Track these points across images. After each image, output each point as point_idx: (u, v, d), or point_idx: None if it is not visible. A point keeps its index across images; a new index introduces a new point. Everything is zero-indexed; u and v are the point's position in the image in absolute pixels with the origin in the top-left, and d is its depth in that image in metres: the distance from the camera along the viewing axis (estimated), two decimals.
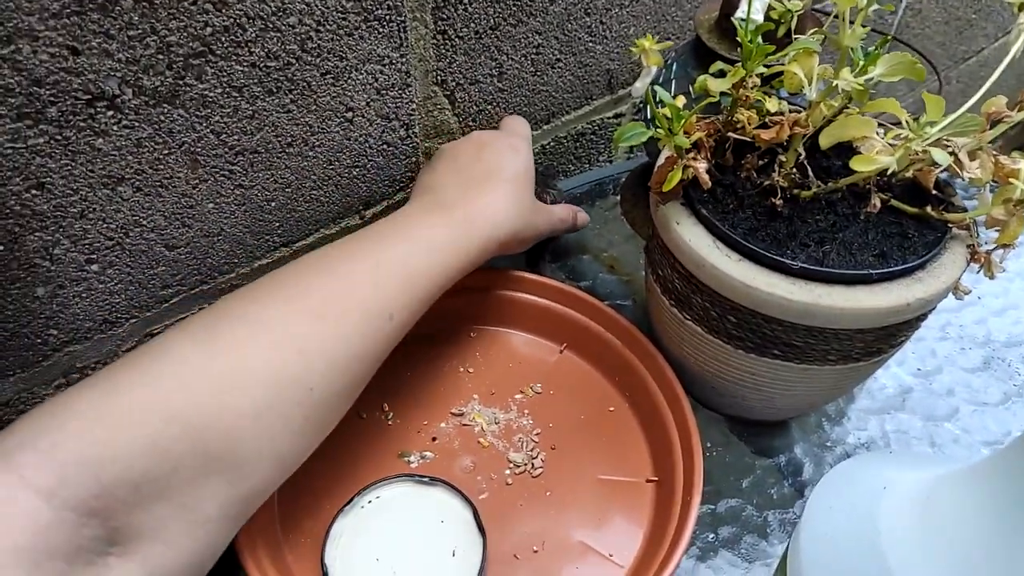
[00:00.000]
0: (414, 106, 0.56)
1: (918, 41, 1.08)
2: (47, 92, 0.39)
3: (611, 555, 0.44)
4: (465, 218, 0.48)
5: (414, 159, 0.59)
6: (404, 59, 0.53)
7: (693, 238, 0.41)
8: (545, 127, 0.68)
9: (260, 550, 0.41)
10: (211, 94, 0.45)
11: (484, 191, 0.49)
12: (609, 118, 0.73)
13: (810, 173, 0.41)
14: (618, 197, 0.67)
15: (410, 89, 0.55)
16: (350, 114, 0.52)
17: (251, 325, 0.38)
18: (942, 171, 0.41)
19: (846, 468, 0.35)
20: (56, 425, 0.32)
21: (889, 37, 0.40)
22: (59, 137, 0.41)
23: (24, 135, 0.39)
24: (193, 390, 0.35)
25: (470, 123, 0.61)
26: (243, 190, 0.50)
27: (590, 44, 0.65)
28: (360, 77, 0.51)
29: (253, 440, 0.36)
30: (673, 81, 0.55)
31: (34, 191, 0.41)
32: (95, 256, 0.46)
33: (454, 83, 0.58)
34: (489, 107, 0.62)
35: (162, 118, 0.44)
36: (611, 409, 0.51)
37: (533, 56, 0.62)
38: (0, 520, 0.29)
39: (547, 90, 0.65)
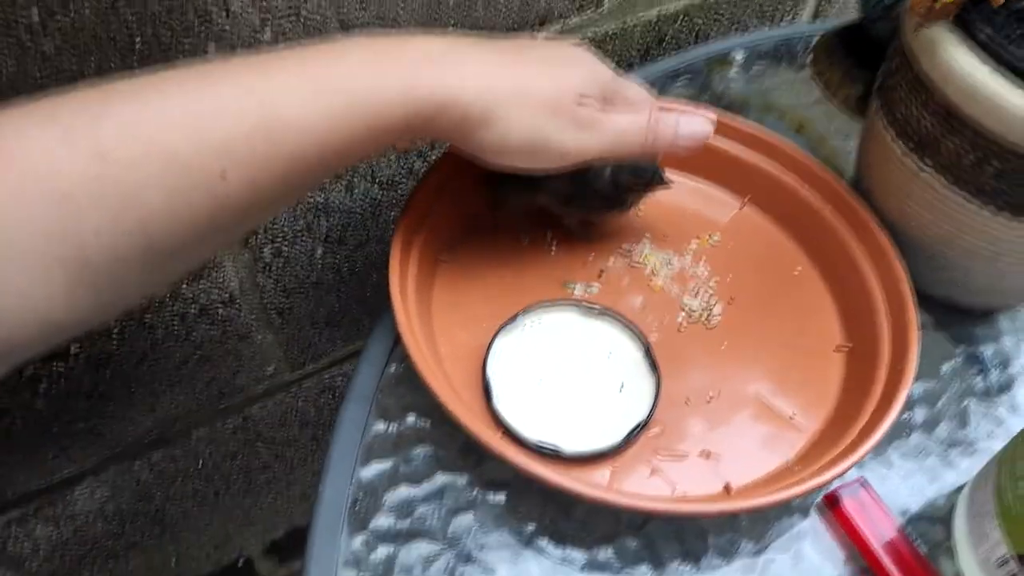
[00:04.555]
0: None
1: None
2: None
3: (793, 416, 0.40)
4: (426, 58, 0.32)
5: None
6: None
7: (967, 65, 0.35)
8: None
9: (426, 352, 0.38)
10: None
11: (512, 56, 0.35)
12: None
13: None
14: (808, 58, 0.60)
15: None
16: None
17: (15, 145, 0.26)
18: None
19: None
20: None
21: None
22: None
23: None
24: None
25: None
26: None
27: None
28: None
29: None
30: None
31: None
32: (270, 19, 0.42)
33: None
34: None
35: None
36: (797, 271, 0.46)
37: None
38: None
39: None
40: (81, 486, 0.60)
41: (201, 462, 0.68)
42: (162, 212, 0.27)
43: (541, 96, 0.34)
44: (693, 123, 0.39)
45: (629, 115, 0.37)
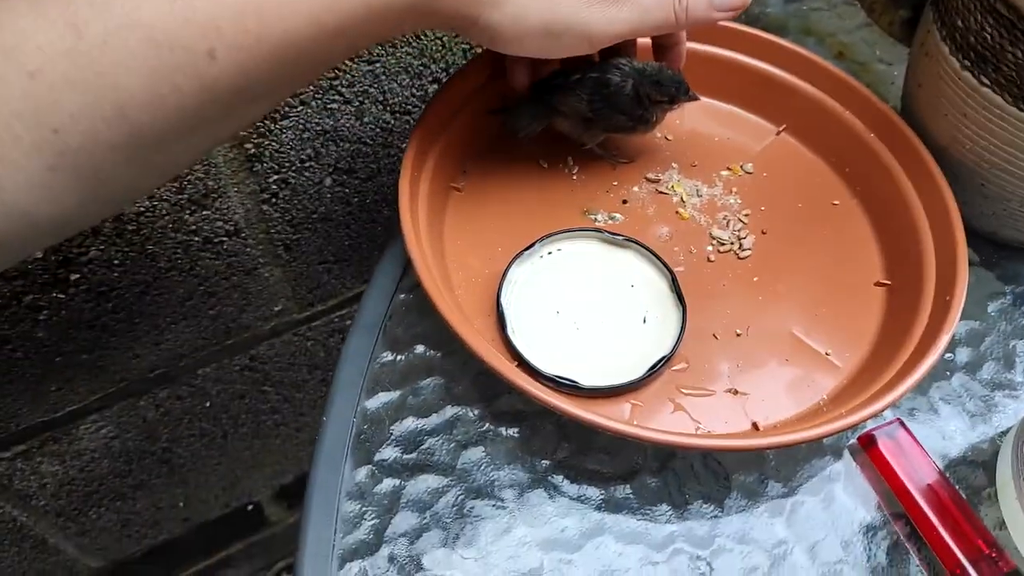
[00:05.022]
0: None
1: None
2: None
3: (828, 353, 0.37)
4: None
5: None
6: None
7: None
8: None
9: (437, 277, 0.36)
10: None
11: None
12: None
13: None
14: None
15: None
16: None
17: None
18: None
19: None
20: None
21: None
22: None
23: None
24: None
25: None
26: None
27: None
28: None
29: None
30: None
31: None
32: None
33: None
34: None
35: None
36: (835, 203, 0.43)
37: None
38: None
39: None
40: (86, 422, 0.59)
41: (208, 402, 0.66)
42: (144, 95, 0.24)
43: None
44: None
45: None
